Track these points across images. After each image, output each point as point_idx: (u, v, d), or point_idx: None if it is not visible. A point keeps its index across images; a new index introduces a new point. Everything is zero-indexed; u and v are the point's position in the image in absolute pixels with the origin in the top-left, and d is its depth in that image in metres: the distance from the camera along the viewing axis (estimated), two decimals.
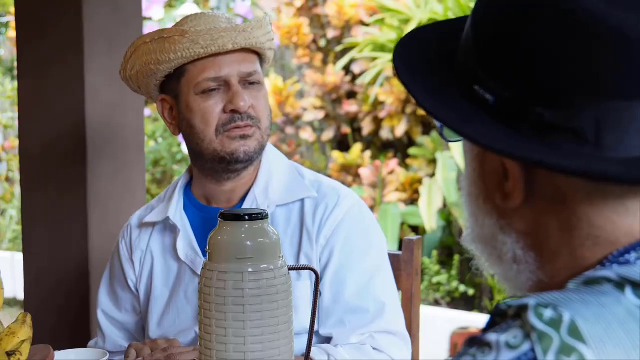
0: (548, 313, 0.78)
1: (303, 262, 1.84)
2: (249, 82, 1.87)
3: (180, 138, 5.92)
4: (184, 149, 6.02)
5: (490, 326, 0.83)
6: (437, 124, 0.94)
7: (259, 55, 1.91)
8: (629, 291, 0.81)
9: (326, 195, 1.89)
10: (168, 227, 1.96)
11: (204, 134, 1.85)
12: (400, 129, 5.77)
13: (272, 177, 1.92)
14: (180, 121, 1.90)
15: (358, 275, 1.85)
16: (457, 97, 0.89)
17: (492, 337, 0.79)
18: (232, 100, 1.84)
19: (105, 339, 2.01)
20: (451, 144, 4.72)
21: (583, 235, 0.86)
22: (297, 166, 1.97)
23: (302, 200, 1.89)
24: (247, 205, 1.90)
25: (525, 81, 0.84)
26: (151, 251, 1.97)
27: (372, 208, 5.48)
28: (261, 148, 1.89)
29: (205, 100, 1.85)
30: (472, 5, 0.93)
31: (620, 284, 0.81)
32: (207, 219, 1.91)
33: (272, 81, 6.14)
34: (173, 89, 1.89)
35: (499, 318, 0.82)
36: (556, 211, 0.87)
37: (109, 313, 2.02)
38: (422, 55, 0.95)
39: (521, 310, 0.79)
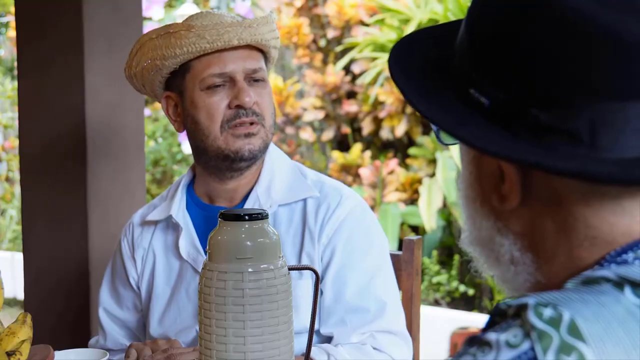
0: (548, 312, 0.78)
1: (305, 261, 1.85)
2: (254, 79, 1.88)
3: (180, 138, 5.96)
4: (184, 149, 6.02)
5: (490, 325, 0.83)
6: (434, 127, 0.94)
7: (264, 53, 1.92)
8: (628, 291, 0.81)
9: (328, 195, 1.89)
10: (170, 226, 1.96)
11: (208, 130, 1.86)
12: (400, 129, 5.77)
13: (274, 176, 1.92)
14: (185, 117, 1.90)
15: (359, 274, 1.85)
16: (452, 100, 0.89)
17: (492, 336, 0.79)
18: (238, 96, 1.84)
19: (106, 337, 2.02)
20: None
21: (580, 236, 0.86)
22: (299, 166, 1.97)
23: (305, 200, 1.90)
24: (249, 204, 1.90)
25: (523, 82, 0.84)
26: (153, 249, 1.97)
27: (372, 208, 5.47)
28: (265, 146, 1.89)
29: (210, 96, 1.85)
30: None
31: (619, 283, 0.81)
32: (209, 218, 1.92)
33: (272, 81, 6.14)
34: (178, 86, 1.89)
35: (499, 317, 0.83)
36: (553, 212, 0.87)
37: (111, 311, 2.02)
38: (418, 59, 0.95)
39: (521, 309, 0.80)
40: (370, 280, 1.85)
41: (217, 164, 1.88)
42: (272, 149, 1.95)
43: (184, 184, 1.99)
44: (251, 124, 1.85)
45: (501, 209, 0.90)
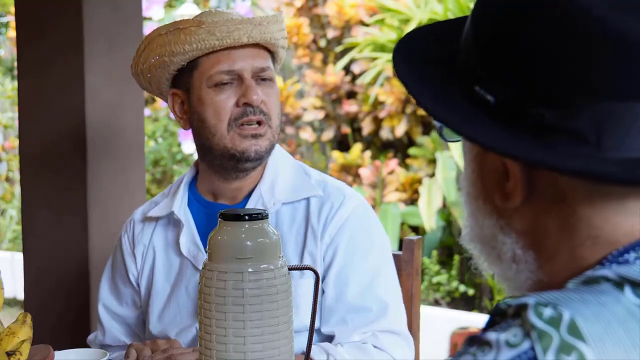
0: (548, 312, 0.78)
1: (307, 260, 1.85)
2: (261, 77, 1.88)
3: (180, 138, 5.95)
4: (184, 149, 6.02)
5: (490, 325, 0.83)
6: (437, 123, 0.94)
7: (271, 53, 1.92)
8: (628, 290, 0.81)
9: (331, 194, 1.89)
10: (171, 222, 1.96)
11: (215, 128, 1.85)
12: (400, 129, 5.77)
13: (278, 175, 1.92)
14: (191, 115, 1.90)
15: (361, 274, 1.85)
16: (457, 98, 0.89)
17: (492, 335, 0.79)
18: (245, 94, 1.84)
19: (105, 333, 2.02)
20: (451, 144, 4.73)
21: (582, 235, 0.86)
22: (303, 165, 1.97)
23: (308, 199, 1.90)
24: (252, 201, 1.90)
25: (525, 81, 0.84)
26: (153, 246, 1.97)
27: (372, 208, 5.47)
28: (271, 147, 1.89)
29: (217, 93, 1.85)
30: (472, 5, 0.92)
31: (620, 283, 0.81)
32: (211, 215, 1.91)
33: None
34: (185, 83, 1.89)
35: (499, 317, 0.82)
36: (556, 211, 0.87)
37: (110, 307, 2.02)
38: (422, 56, 0.95)
39: (521, 309, 0.80)
40: (372, 280, 1.85)
41: (222, 163, 1.88)
42: (276, 148, 1.96)
43: (187, 181, 1.99)
44: (258, 123, 1.85)
45: (504, 207, 0.90)
